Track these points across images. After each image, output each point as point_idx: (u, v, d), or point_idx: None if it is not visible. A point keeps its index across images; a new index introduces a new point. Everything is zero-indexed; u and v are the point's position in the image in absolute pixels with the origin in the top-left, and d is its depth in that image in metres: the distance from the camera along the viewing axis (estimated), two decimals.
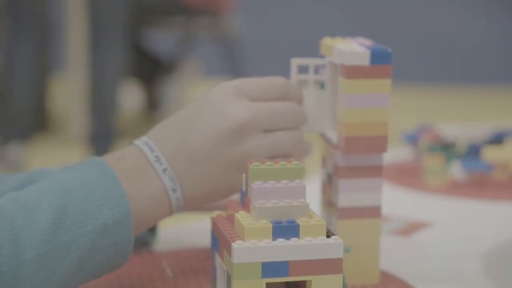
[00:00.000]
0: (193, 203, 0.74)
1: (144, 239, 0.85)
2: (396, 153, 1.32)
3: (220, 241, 0.68)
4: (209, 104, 0.73)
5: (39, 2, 3.07)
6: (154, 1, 3.74)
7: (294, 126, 0.76)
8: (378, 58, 0.74)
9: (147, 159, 0.72)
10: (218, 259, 0.70)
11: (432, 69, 5.38)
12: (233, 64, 3.82)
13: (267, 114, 0.74)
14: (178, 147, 0.72)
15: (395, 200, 1.09)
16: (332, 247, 0.64)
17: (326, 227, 0.66)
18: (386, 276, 0.79)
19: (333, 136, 0.77)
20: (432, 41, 5.39)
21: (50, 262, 0.65)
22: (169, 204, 0.72)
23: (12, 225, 0.64)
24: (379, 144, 0.75)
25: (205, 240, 0.86)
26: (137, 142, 0.73)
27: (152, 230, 0.86)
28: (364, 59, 0.74)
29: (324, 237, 0.65)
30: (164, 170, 0.71)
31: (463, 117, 4.42)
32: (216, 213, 0.72)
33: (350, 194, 0.75)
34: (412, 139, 1.23)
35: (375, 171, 0.76)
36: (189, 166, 0.72)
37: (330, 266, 0.64)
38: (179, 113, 0.74)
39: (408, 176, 1.21)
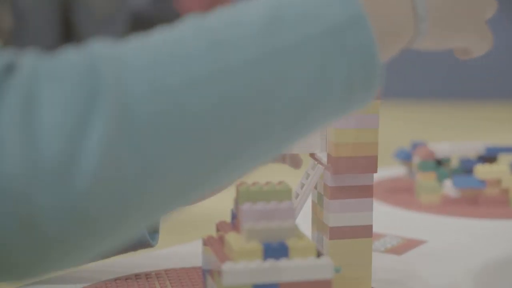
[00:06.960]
0: (438, 27, 0.61)
1: (145, 240, 0.85)
2: (389, 170, 1.33)
3: (211, 263, 0.69)
4: None
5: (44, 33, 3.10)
6: (150, 21, 3.76)
7: None
8: None
9: None
10: (209, 280, 0.70)
11: (427, 86, 5.39)
12: None
13: None
14: None
15: (388, 218, 1.10)
16: (322, 268, 0.65)
17: (316, 248, 0.66)
18: None
19: (323, 156, 0.77)
20: (425, 57, 5.41)
21: (267, 75, 0.51)
22: (412, 9, 0.59)
23: (209, 31, 0.52)
24: (369, 164, 0.75)
25: (198, 261, 0.87)
26: None
27: (154, 231, 0.86)
28: None
29: (314, 258, 0.65)
30: None
31: (457, 133, 4.43)
32: (207, 235, 0.72)
33: (340, 214, 0.76)
34: (406, 156, 1.23)
35: (366, 190, 0.76)
36: None
37: (320, 286, 0.65)
38: None
39: (401, 193, 1.22)
